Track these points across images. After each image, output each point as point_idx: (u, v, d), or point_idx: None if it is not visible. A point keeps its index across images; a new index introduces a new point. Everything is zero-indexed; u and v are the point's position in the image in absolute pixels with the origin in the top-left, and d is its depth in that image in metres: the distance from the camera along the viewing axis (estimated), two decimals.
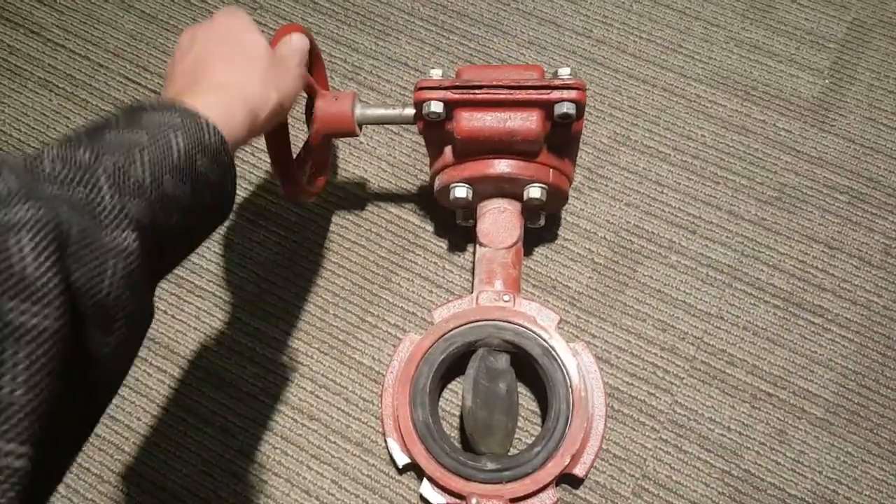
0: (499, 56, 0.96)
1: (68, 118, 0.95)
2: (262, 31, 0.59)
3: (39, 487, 0.34)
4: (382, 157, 0.91)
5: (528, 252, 0.84)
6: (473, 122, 0.70)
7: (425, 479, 0.73)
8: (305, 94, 0.72)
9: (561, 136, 0.72)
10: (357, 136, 0.74)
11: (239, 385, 0.81)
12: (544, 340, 0.74)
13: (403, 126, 0.92)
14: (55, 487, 0.37)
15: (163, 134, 0.45)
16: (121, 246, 0.39)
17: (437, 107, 0.69)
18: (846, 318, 0.82)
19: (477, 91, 0.69)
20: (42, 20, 1.02)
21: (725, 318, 0.82)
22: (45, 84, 0.98)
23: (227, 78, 0.54)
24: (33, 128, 0.95)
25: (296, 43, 0.66)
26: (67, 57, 0.99)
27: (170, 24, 1.00)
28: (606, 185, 0.88)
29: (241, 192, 0.89)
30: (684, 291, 0.83)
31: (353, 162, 0.91)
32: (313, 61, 0.75)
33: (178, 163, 0.44)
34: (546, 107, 0.69)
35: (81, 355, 0.36)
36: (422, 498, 0.74)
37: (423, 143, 0.90)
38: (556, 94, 0.68)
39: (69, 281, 0.35)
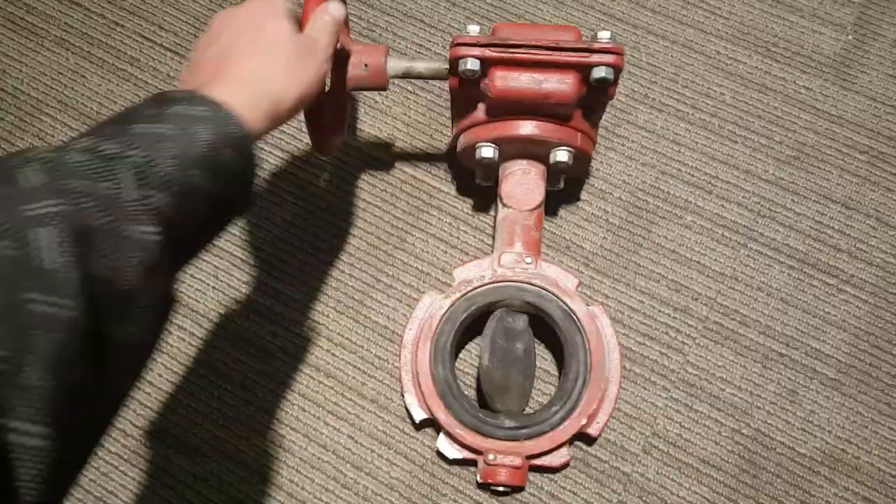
0: (516, 12, 0.95)
1: (85, 77, 0.96)
2: (293, 13, 0.58)
3: (62, 469, 0.35)
4: (398, 116, 0.91)
5: (545, 213, 0.84)
6: (509, 81, 0.69)
7: (442, 435, 0.75)
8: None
9: (594, 101, 0.71)
10: (386, 89, 0.74)
11: (257, 343, 0.83)
12: (565, 303, 0.75)
13: (419, 85, 0.92)
14: (79, 471, 0.39)
15: (189, 126, 0.45)
16: (143, 238, 0.40)
17: (473, 64, 0.68)
18: (861, 278, 0.82)
19: (516, 50, 0.68)
20: None
21: (739, 279, 0.82)
22: (62, 42, 0.98)
23: (251, 73, 0.54)
24: (51, 87, 0.95)
25: (331, 14, 0.62)
26: (84, 15, 0.99)
27: None
28: (623, 145, 0.88)
29: (259, 154, 0.89)
30: (699, 252, 0.83)
31: (368, 122, 0.91)
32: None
33: (203, 155, 0.45)
34: (583, 70, 0.68)
35: (102, 343, 0.37)
36: (438, 453, 0.76)
37: (439, 102, 0.90)
38: (595, 58, 0.67)
39: (90, 272, 0.36)
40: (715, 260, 0.83)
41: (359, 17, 0.96)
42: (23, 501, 0.32)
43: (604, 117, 0.87)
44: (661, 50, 0.92)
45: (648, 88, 0.90)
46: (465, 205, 0.87)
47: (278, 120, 0.54)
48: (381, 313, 0.83)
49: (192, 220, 0.46)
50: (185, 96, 0.48)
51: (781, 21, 0.92)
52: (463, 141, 0.76)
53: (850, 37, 0.91)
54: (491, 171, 0.80)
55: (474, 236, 0.85)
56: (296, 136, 0.90)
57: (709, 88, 0.89)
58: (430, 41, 0.94)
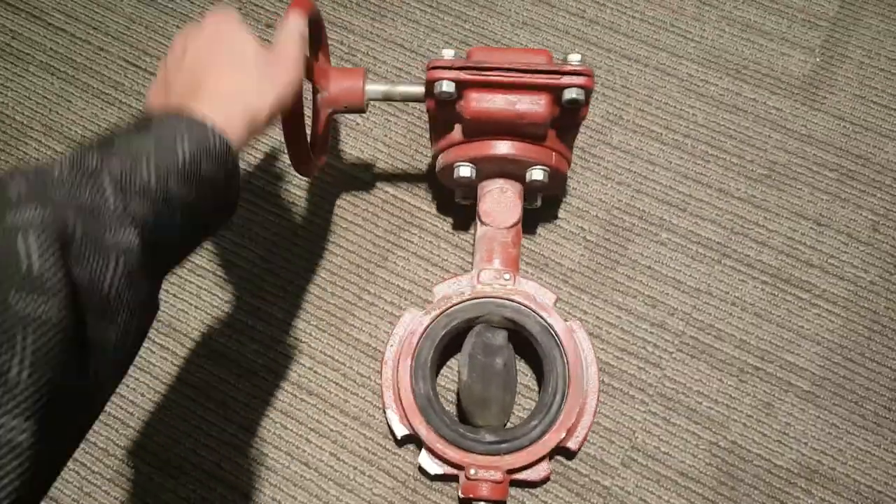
0: (493, 37, 0.97)
1: (69, 101, 0.97)
2: (251, 30, 0.60)
3: (44, 466, 0.36)
4: (379, 137, 0.93)
5: (523, 231, 0.86)
6: (483, 102, 0.71)
7: (424, 450, 0.76)
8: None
9: (567, 121, 0.73)
10: (364, 112, 0.76)
11: (239, 361, 0.83)
12: (543, 319, 0.76)
13: (399, 107, 0.94)
14: (60, 468, 0.40)
15: (169, 140, 0.47)
16: (123, 244, 0.42)
17: (448, 86, 0.69)
18: (833, 293, 0.83)
19: (489, 73, 0.70)
20: (42, 4, 1.03)
21: (714, 294, 0.84)
22: (47, 68, 0.99)
23: (225, 86, 0.55)
24: (36, 111, 0.97)
25: (292, 26, 0.63)
26: (68, 41, 1.01)
27: (168, 7, 1.02)
28: (599, 165, 0.90)
29: (241, 174, 0.91)
30: (674, 268, 0.85)
31: (349, 143, 0.92)
32: (320, 37, 0.76)
33: (184, 167, 0.47)
34: (555, 91, 0.70)
35: (85, 344, 0.39)
36: (420, 469, 0.77)
37: (419, 123, 0.92)
38: (565, 80, 0.69)
39: (72, 276, 0.38)
40: (690, 276, 0.85)
41: (340, 42, 0.98)
42: (2, 497, 0.33)
43: (580, 138, 0.89)
44: (635, 73, 0.94)
45: (623, 110, 0.92)
46: (445, 223, 0.88)
47: (256, 130, 0.55)
48: (364, 331, 0.84)
49: (174, 228, 0.47)
50: (164, 115, 0.49)
51: (751, 44, 0.95)
52: (441, 161, 0.78)
53: (818, 59, 0.94)
54: (470, 190, 0.82)
55: (455, 254, 0.87)
56: (277, 157, 0.92)
57: (681, 110, 0.92)
58: (409, 65, 0.96)
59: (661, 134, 0.91)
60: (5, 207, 0.37)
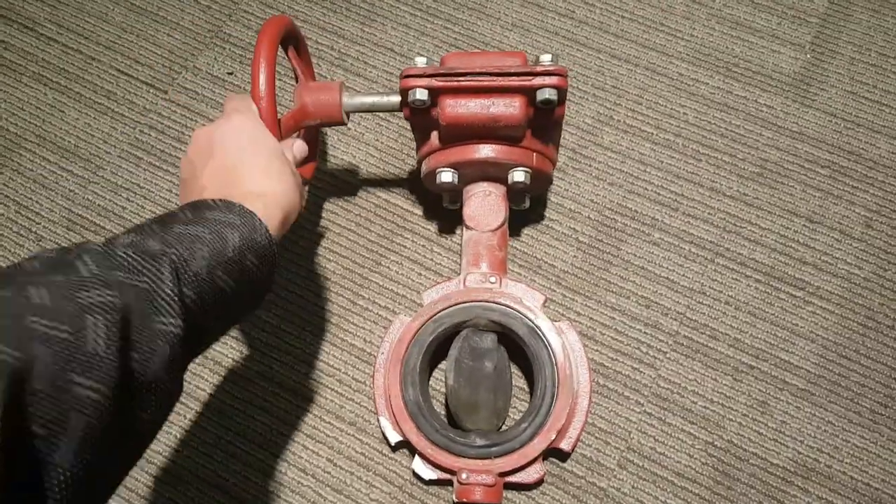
0: (483, 39, 0.97)
1: (62, 111, 0.97)
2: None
3: None
4: (370, 142, 0.93)
5: (513, 233, 0.86)
6: (458, 108, 0.71)
7: (417, 456, 0.76)
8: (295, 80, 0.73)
9: (544, 121, 0.73)
10: (345, 124, 0.76)
11: (235, 369, 0.83)
12: (530, 320, 0.76)
13: (391, 112, 0.93)
14: None
15: (222, 231, 0.49)
16: (169, 331, 0.43)
17: (421, 94, 0.70)
18: (827, 290, 0.83)
19: (461, 78, 0.70)
20: (34, 15, 1.03)
21: (708, 294, 0.84)
22: (39, 78, 1.00)
23: (263, 187, 0.57)
24: (29, 122, 0.97)
25: (297, 150, 0.68)
26: (60, 51, 1.01)
27: (159, 15, 1.02)
28: (590, 166, 0.90)
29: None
30: (667, 268, 0.85)
31: (341, 148, 0.93)
32: (300, 50, 0.77)
33: (231, 258, 0.49)
34: (528, 93, 0.70)
35: (121, 426, 0.39)
36: (414, 474, 0.77)
37: (409, 128, 0.92)
38: (537, 81, 0.69)
39: (126, 361, 0.39)
40: (683, 276, 0.84)
41: (330, 48, 0.98)
42: None
43: (570, 139, 0.89)
44: (625, 73, 0.94)
45: (613, 110, 0.92)
46: (437, 227, 0.88)
47: (286, 230, 0.58)
48: (358, 336, 0.84)
49: (213, 317, 0.49)
50: (220, 204, 0.51)
51: (741, 42, 0.95)
52: (424, 167, 0.78)
53: (808, 55, 0.94)
54: (455, 194, 0.82)
55: (448, 258, 0.87)
56: None
57: (672, 109, 0.92)
58: (400, 69, 0.96)
59: (652, 134, 0.91)
60: (78, 286, 0.38)
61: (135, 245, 0.44)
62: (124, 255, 0.43)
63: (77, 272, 0.39)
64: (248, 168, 0.57)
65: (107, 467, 0.39)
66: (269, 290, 0.56)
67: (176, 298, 0.43)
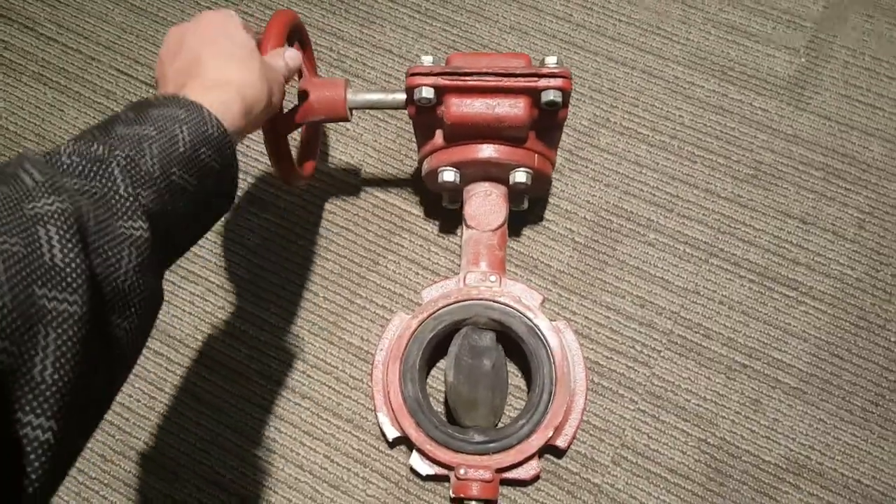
0: (482, 42, 0.98)
1: (62, 111, 0.98)
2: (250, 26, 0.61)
3: (62, 459, 0.36)
4: (368, 143, 0.94)
5: (510, 233, 0.87)
6: (463, 107, 0.72)
7: (415, 452, 0.77)
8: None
9: (547, 123, 0.74)
10: (349, 120, 0.76)
11: (233, 366, 0.84)
12: (529, 319, 0.77)
13: (389, 113, 0.94)
14: (76, 459, 0.40)
15: (168, 127, 0.47)
16: (134, 234, 0.41)
17: (427, 92, 0.71)
18: (820, 290, 0.84)
19: (467, 78, 0.71)
20: (35, 15, 1.04)
21: (702, 293, 0.85)
22: (39, 78, 1.00)
23: (224, 75, 0.55)
24: (29, 121, 0.98)
25: (288, 58, 0.66)
26: (60, 51, 1.02)
27: (159, 16, 1.03)
28: (587, 167, 0.91)
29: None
30: (662, 268, 0.86)
31: (340, 148, 0.93)
32: (304, 45, 0.78)
33: (184, 154, 0.47)
34: (533, 94, 0.71)
35: (101, 338, 0.38)
36: (411, 470, 0.78)
37: (408, 129, 0.93)
38: (542, 82, 0.70)
39: (91, 269, 0.37)
40: (678, 276, 0.85)
41: (329, 49, 0.99)
42: (27, 490, 0.33)
43: (567, 140, 0.90)
44: (622, 76, 0.95)
45: (610, 113, 0.93)
46: (434, 227, 0.89)
47: (252, 122, 0.56)
48: (356, 334, 0.85)
49: (178, 217, 0.47)
50: (163, 100, 0.49)
51: (737, 46, 0.96)
52: (426, 166, 0.79)
53: (802, 59, 0.95)
54: (455, 193, 0.83)
55: (445, 257, 0.87)
56: (268, 163, 0.92)
57: (668, 111, 0.93)
58: (398, 71, 0.97)
59: (648, 136, 0.92)
60: (23, 196, 0.36)
61: (79, 152, 0.42)
62: (69, 161, 0.41)
63: (21, 182, 0.37)
64: (209, 56, 0.56)
65: (92, 384, 0.38)
66: (236, 185, 0.54)
67: (132, 199, 0.42)
